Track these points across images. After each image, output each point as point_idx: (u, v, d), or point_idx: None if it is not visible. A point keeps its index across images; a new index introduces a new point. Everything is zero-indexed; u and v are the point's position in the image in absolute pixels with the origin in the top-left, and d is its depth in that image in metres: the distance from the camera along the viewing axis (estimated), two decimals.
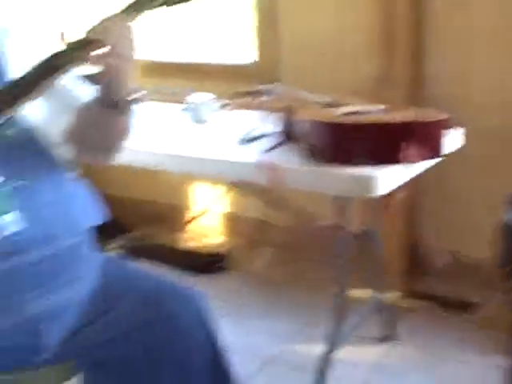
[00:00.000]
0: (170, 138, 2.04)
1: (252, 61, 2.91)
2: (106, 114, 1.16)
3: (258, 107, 2.11)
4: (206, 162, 1.84)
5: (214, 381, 1.24)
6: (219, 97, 2.41)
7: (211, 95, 2.33)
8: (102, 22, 1.07)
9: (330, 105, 1.87)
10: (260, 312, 2.43)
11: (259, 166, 1.66)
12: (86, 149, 1.27)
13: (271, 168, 1.63)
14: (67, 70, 1.05)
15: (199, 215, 3.16)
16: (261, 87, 2.18)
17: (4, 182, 1.11)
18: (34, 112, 1.18)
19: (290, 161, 1.71)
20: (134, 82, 1.14)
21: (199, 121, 2.17)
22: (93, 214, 1.25)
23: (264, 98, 2.10)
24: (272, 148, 1.78)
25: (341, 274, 1.93)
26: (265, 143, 1.84)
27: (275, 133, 1.88)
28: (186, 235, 3.16)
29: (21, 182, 1.13)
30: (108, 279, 1.28)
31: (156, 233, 3.06)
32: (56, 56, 1.04)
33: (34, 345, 1.14)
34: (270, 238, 2.90)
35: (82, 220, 1.21)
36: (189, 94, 2.30)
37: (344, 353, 1.99)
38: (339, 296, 1.92)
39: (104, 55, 1.06)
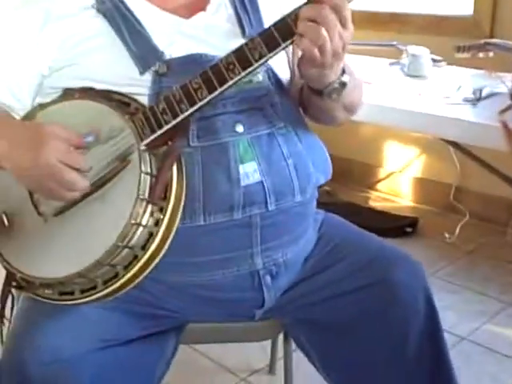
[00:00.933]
0: (381, 91, 1.93)
1: (467, 13, 2.67)
2: (314, 95, 1.09)
3: (482, 65, 1.93)
4: (426, 118, 1.71)
5: (430, 358, 1.15)
6: (433, 51, 2.25)
7: (426, 49, 2.17)
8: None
9: None
10: (449, 285, 2.27)
11: (499, 127, 1.48)
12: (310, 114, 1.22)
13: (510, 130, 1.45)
14: None
15: (391, 176, 3.03)
16: (486, 41, 1.97)
17: (245, 131, 1.07)
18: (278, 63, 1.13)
19: None
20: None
21: (414, 76, 2.03)
22: (323, 170, 1.18)
23: (490, 54, 1.90)
24: (507, 109, 1.59)
25: None
26: (495, 103, 1.66)
27: (506, 93, 1.69)
28: (375, 195, 3.05)
29: (261, 132, 1.08)
30: (328, 238, 1.22)
31: (345, 190, 2.98)
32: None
33: (255, 299, 1.12)
34: (465, 206, 2.71)
35: (315, 176, 1.14)
36: (403, 48, 2.18)
37: None
38: None
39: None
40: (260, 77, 1.10)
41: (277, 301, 1.15)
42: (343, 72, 1.05)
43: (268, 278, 1.11)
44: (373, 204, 2.98)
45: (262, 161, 1.07)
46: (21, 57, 1.09)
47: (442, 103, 1.76)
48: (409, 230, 2.68)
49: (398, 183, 3.04)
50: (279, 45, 0.96)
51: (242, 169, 1.05)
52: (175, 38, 1.09)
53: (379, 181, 3.09)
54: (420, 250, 2.51)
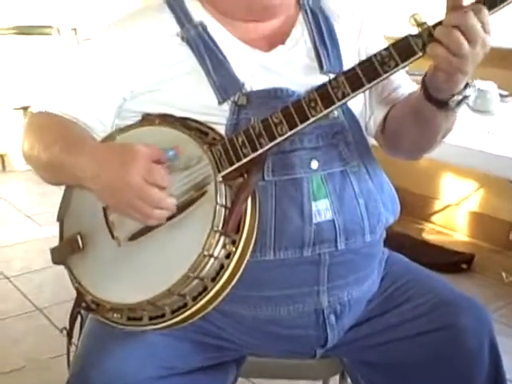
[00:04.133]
0: None
1: None
2: (430, 110, 1.04)
3: None
4: (495, 158, 1.68)
5: None
6: (499, 85, 2.21)
7: (493, 84, 2.14)
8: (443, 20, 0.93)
9: None
10: (506, 328, 2.21)
11: None
12: (399, 143, 1.19)
13: None
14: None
15: (447, 208, 2.98)
16: None
17: (319, 168, 1.07)
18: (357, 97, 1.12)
19: None
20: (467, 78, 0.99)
21: (481, 111, 2.00)
22: (392, 209, 1.17)
23: None
24: None
25: None
26: None
27: None
28: (430, 228, 3.01)
29: (334, 170, 1.08)
30: (392, 278, 1.21)
31: (399, 221, 2.93)
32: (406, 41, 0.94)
33: (318, 337, 1.12)
34: None
35: (384, 216, 1.14)
36: (470, 81, 2.15)
37: None
38: None
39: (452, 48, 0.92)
40: (336, 113, 1.10)
41: (339, 340, 1.14)
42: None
43: (332, 316, 1.10)
44: (427, 237, 2.94)
45: (334, 199, 1.07)
46: (106, 81, 1.12)
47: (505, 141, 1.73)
48: (464, 266, 2.63)
49: (453, 216, 2.99)
50: (363, 85, 0.96)
51: (314, 206, 1.05)
52: (255, 70, 1.10)
53: (435, 213, 3.05)
54: (475, 289, 2.46)
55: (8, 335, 2.13)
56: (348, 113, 1.13)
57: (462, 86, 0.99)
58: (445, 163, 2.76)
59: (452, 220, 2.99)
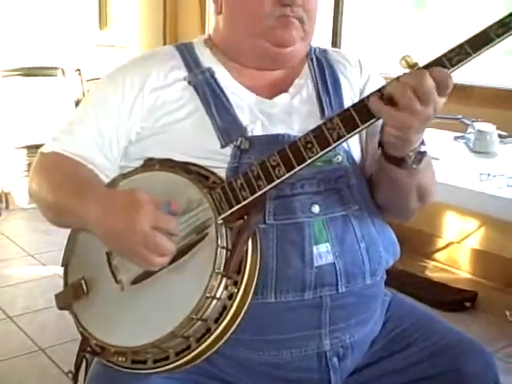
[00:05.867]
0: (446, 167, 1.92)
1: None
2: (391, 168, 1.06)
3: None
4: (495, 200, 1.69)
5: None
6: (498, 127, 2.24)
7: (493, 126, 2.17)
8: (400, 77, 0.95)
9: None
10: (510, 366, 2.19)
11: None
12: (379, 201, 1.18)
13: None
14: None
15: (449, 246, 2.98)
16: None
17: (320, 212, 1.08)
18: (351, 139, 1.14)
19: None
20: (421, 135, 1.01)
21: (480, 152, 2.02)
22: (392, 251, 1.18)
23: None
24: None
25: None
26: None
27: None
28: (432, 265, 3.00)
29: (336, 214, 1.10)
30: (396, 321, 1.21)
31: (402, 258, 2.93)
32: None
33: (321, 380, 1.11)
34: None
35: (385, 258, 1.15)
36: (470, 122, 2.18)
37: None
38: None
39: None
40: (340, 157, 1.12)
41: (343, 383, 1.14)
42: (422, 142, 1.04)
43: (335, 359, 1.10)
44: (430, 274, 2.94)
45: (335, 243, 1.08)
46: (114, 121, 1.14)
47: (510, 184, 1.74)
48: (467, 304, 2.62)
49: (456, 254, 2.99)
50: (357, 126, 0.97)
51: (315, 249, 1.06)
52: (258, 116, 1.13)
53: (437, 251, 3.05)
54: (479, 327, 2.45)
55: (11, 375, 2.11)
56: (351, 157, 1.15)
57: (416, 143, 1.01)
58: (445, 204, 2.78)
59: (455, 258, 2.99)
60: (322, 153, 0.99)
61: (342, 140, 0.98)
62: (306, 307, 1.06)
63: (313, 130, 1.00)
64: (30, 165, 3.60)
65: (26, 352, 2.25)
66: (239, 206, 1.01)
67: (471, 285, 2.81)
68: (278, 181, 1.00)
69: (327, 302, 1.07)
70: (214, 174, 1.08)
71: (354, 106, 0.99)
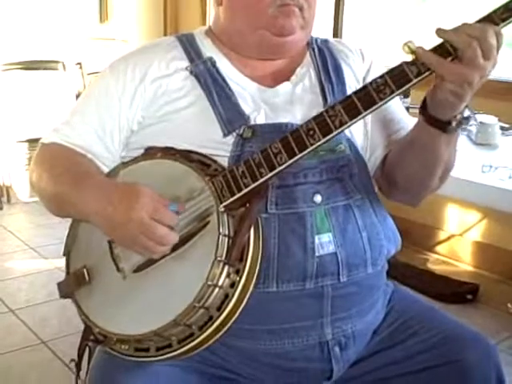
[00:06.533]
0: None
1: None
2: (430, 134, 1.05)
3: None
4: (497, 192, 1.68)
5: None
6: (500, 118, 2.23)
7: (495, 118, 2.16)
8: (461, 28, 0.94)
9: None
10: (510, 357, 2.19)
11: None
12: (398, 180, 1.18)
13: None
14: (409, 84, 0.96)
15: (451, 238, 2.98)
16: None
17: (322, 201, 1.08)
18: (354, 128, 1.13)
19: None
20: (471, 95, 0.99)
21: (483, 144, 2.02)
22: (394, 241, 1.18)
23: None
24: None
25: None
26: None
27: None
28: (434, 258, 3.00)
29: (338, 203, 1.09)
30: (398, 312, 1.21)
31: (404, 251, 2.93)
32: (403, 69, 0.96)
33: (323, 370, 1.11)
34: None
35: (386, 248, 1.14)
36: (472, 114, 2.17)
37: None
38: None
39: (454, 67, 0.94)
40: (342, 146, 1.12)
41: (345, 373, 1.14)
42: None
43: (337, 349, 1.10)
44: (431, 267, 2.93)
45: (337, 232, 1.07)
46: (115, 112, 1.14)
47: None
48: (469, 297, 2.62)
49: (458, 247, 2.99)
50: (360, 113, 0.97)
51: (317, 239, 1.06)
52: (260, 105, 1.12)
53: (439, 243, 3.05)
54: (480, 319, 2.45)
55: (13, 368, 2.12)
56: (353, 146, 1.15)
57: (465, 102, 0.99)
58: (447, 196, 2.77)
59: (457, 250, 2.99)
60: (323, 140, 0.98)
61: (344, 127, 0.98)
62: (307, 297, 1.06)
63: (315, 118, 0.99)
64: (30, 158, 3.59)
65: (27, 345, 2.25)
66: (241, 193, 1.01)
67: (473, 277, 2.80)
68: (280, 168, 1.00)
69: (329, 291, 1.07)
70: (215, 162, 1.08)
71: (356, 92, 0.98)
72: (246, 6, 1.13)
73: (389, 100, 0.97)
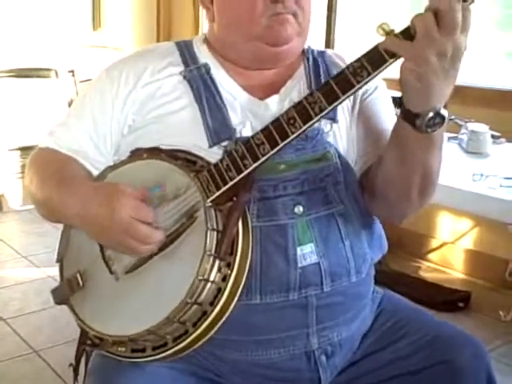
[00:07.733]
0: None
1: None
2: (404, 128, 1.00)
3: None
4: (488, 201, 1.69)
5: None
6: (491, 127, 2.25)
7: (486, 126, 2.18)
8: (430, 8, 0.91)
9: None
10: (504, 367, 2.20)
11: None
12: (378, 186, 1.13)
13: None
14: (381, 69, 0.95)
15: (443, 246, 2.99)
16: None
17: (304, 212, 1.08)
18: (339, 135, 1.14)
19: None
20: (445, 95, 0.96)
21: (474, 152, 2.03)
22: (379, 246, 1.18)
23: None
24: None
25: None
26: None
27: None
28: (426, 265, 3.01)
29: (320, 213, 1.09)
30: (388, 315, 1.22)
31: (396, 259, 2.95)
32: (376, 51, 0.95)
33: (311, 379, 1.11)
34: None
35: (370, 255, 1.15)
36: (463, 123, 2.19)
37: None
38: None
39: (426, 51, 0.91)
40: (330, 154, 1.11)
41: (335, 381, 1.14)
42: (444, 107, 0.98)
43: (323, 357, 1.10)
44: (423, 274, 2.94)
45: (319, 242, 1.08)
46: (108, 116, 1.15)
47: (503, 184, 1.75)
48: (461, 304, 2.63)
49: (450, 254, 2.99)
50: (338, 97, 0.97)
51: (299, 250, 1.06)
52: (248, 117, 1.13)
53: (431, 251, 3.06)
54: (472, 327, 2.44)
55: (5, 378, 2.11)
56: (339, 153, 1.14)
57: (436, 96, 0.95)
58: (438, 204, 2.78)
59: (448, 258, 3.00)
60: (304, 127, 0.98)
61: (323, 113, 0.98)
62: (291, 307, 1.07)
63: (294, 105, 0.99)
64: (23, 166, 3.59)
65: (20, 354, 2.24)
66: (227, 186, 1.01)
67: (465, 285, 2.81)
68: (264, 158, 1.00)
69: (313, 301, 1.07)
70: (201, 158, 1.08)
71: (334, 77, 0.98)
72: (238, 18, 1.13)
73: (366, 82, 0.96)
